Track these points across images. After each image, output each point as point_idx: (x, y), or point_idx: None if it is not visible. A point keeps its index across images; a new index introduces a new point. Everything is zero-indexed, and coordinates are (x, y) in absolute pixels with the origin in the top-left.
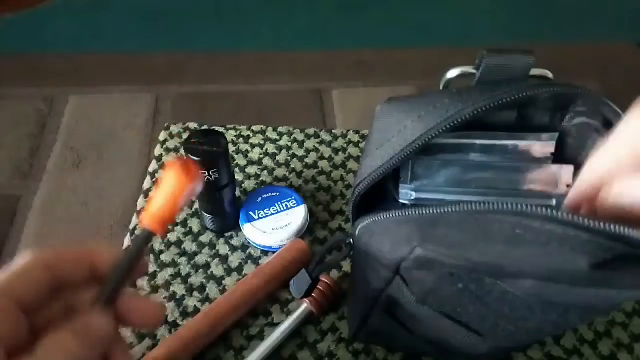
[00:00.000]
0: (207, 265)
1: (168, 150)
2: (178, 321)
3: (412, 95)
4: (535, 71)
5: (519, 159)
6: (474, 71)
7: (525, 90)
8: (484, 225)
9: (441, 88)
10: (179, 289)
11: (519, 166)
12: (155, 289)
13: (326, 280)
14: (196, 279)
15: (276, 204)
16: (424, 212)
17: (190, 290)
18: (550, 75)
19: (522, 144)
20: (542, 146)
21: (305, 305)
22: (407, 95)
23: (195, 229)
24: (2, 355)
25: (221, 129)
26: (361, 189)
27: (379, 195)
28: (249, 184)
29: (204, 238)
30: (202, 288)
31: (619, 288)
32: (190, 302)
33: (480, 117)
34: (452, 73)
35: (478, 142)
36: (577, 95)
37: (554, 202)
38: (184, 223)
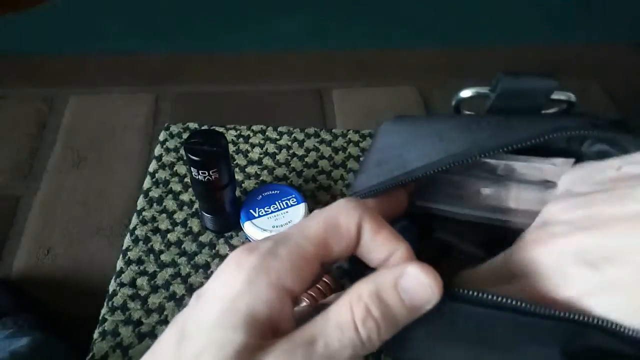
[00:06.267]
0: (207, 265)
1: (168, 150)
2: None
3: (419, 117)
4: (557, 95)
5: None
6: (488, 92)
7: (540, 136)
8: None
9: (452, 105)
10: (178, 289)
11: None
12: (155, 289)
13: (325, 280)
14: (196, 279)
15: (276, 202)
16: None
17: (190, 290)
18: (573, 98)
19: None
20: (555, 170)
21: (303, 304)
22: (413, 117)
23: (195, 229)
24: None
25: (221, 129)
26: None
27: None
28: (249, 184)
29: (204, 238)
30: None
31: None
32: None
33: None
34: (465, 93)
35: (489, 161)
36: (597, 127)
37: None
38: (184, 223)
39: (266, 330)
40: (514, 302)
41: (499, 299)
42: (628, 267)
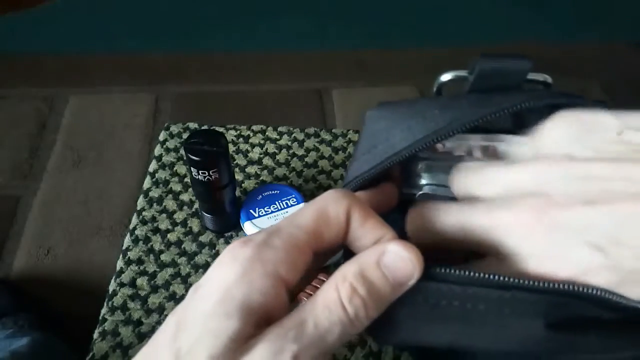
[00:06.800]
0: (207, 265)
1: (168, 150)
2: None
3: (402, 101)
4: (533, 75)
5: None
6: (467, 74)
7: (518, 104)
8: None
9: (434, 91)
10: (178, 289)
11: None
12: (155, 289)
13: (322, 277)
14: (196, 279)
15: (276, 202)
16: None
17: None
18: (549, 80)
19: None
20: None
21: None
22: (397, 101)
23: (195, 229)
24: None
25: (221, 129)
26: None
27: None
28: (249, 184)
29: (204, 238)
30: None
31: (585, 352)
32: None
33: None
34: (445, 77)
35: (473, 143)
36: (578, 105)
37: None
38: (184, 223)
39: (261, 319)
40: (498, 278)
41: (484, 275)
42: (633, 250)
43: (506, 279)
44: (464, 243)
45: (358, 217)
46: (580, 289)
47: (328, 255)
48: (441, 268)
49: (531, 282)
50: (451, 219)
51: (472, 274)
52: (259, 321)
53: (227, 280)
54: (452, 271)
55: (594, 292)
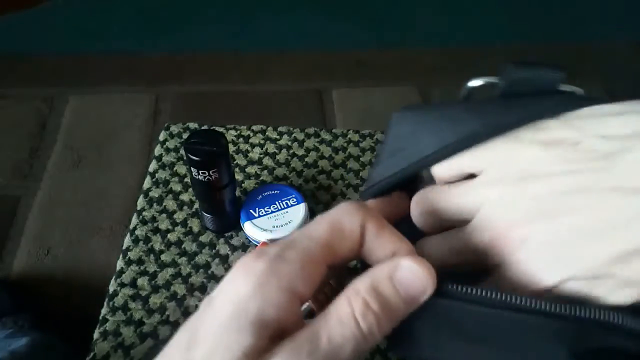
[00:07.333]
0: (207, 265)
1: (168, 150)
2: (180, 321)
3: (430, 105)
4: (565, 87)
5: None
6: (498, 82)
7: (546, 113)
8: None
9: (462, 96)
10: (179, 288)
11: None
12: (155, 289)
13: (332, 284)
14: (197, 279)
15: (276, 202)
16: None
17: (191, 290)
18: (581, 91)
19: None
20: None
21: (307, 304)
22: (422, 105)
23: (196, 229)
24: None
25: (221, 129)
26: (369, 194)
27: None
28: (249, 184)
29: (204, 238)
30: (203, 288)
31: None
32: (192, 302)
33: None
34: (475, 83)
35: None
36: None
37: None
38: (184, 223)
39: (275, 334)
40: (513, 300)
41: (499, 296)
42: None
43: (519, 300)
44: (465, 223)
45: (373, 230)
46: (576, 312)
47: (342, 268)
48: (456, 286)
49: (544, 306)
50: (452, 199)
51: (488, 294)
52: (272, 335)
53: (241, 294)
54: (469, 291)
55: (599, 316)
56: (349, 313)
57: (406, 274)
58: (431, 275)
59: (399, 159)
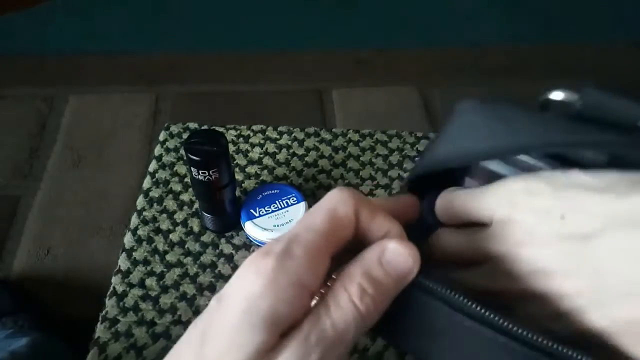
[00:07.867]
0: (213, 265)
1: (168, 150)
2: (192, 320)
3: (493, 103)
4: None
5: None
6: (576, 101)
7: (600, 146)
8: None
9: (538, 104)
10: (188, 288)
11: None
12: (165, 289)
13: (333, 276)
14: (205, 279)
15: (277, 202)
16: None
17: (200, 290)
18: None
19: None
20: None
21: (317, 299)
22: (488, 101)
23: (196, 229)
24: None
25: (221, 129)
26: (416, 172)
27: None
28: (249, 184)
29: (205, 238)
30: (212, 287)
31: None
32: (202, 302)
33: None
34: (556, 95)
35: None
36: None
37: None
38: (184, 223)
39: (286, 329)
40: (494, 317)
41: (480, 309)
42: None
43: (501, 321)
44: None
45: (366, 215)
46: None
47: (341, 256)
48: (445, 289)
49: (525, 333)
50: (474, 203)
51: (479, 308)
52: (284, 331)
53: (252, 292)
54: (457, 297)
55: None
56: (347, 298)
57: (392, 255)
58: (415, 254)
59: (451, 147)
